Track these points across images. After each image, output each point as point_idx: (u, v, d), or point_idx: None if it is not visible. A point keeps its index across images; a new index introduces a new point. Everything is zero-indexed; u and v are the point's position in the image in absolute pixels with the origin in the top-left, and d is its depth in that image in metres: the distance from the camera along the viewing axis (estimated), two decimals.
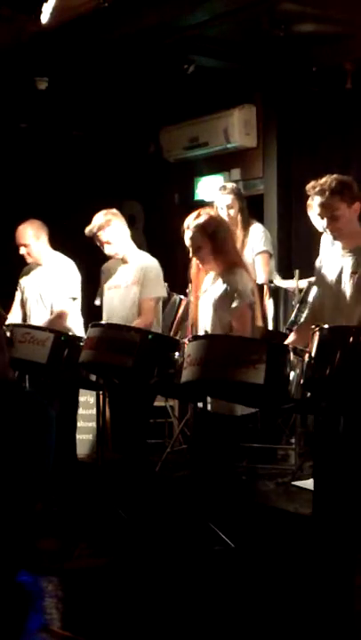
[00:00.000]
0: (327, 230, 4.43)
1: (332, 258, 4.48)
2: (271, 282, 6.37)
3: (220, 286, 4.83)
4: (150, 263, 5.56)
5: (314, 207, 4.46)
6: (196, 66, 7.37)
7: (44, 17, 6.03)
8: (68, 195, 9.03)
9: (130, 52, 7.16)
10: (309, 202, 4.59)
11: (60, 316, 5.83)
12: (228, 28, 6.85)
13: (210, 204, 6.50)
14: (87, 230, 5.60)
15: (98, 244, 5.61)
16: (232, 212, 6.36)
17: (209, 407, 4.77)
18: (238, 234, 6.34)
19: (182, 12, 6.61)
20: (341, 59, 7.20)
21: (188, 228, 4.89)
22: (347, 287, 4.34)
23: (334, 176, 4.41)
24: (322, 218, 4.41)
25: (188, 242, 4.90)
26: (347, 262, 4.38)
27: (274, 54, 7.32)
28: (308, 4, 6.37)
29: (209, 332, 4.79)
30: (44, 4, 5.97)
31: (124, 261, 5.61)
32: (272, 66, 7.65)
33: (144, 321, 5.40)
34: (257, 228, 6.54)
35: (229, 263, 4.88)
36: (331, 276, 4.43)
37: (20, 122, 8.87)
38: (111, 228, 5.56)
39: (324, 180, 4.39)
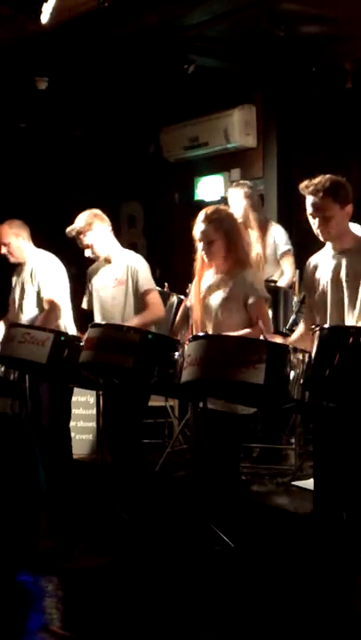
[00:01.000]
0: (318, 231, 4.35)
1: (323, 260, 4.44)
2: (274, 281, 6.38)
3: (229, 285, 4.80)
4: (137, 259, 5.55)
5: (307, 207, 4.38)
6: (196, 66, 7.37)
7: (44, 17, 6.03)
8: (68, 195, 9.04)
9: (130, 52, 7.16)
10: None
11: (50, 313, 5.79)
12: (228, 27, 6.85)
13: (211, 204, 6.50)
14: (67, 231, 5.57)
15: (79, 244, 5.59)
16: (244, 206, 6.37)
17: (215, 406, 4.75)
18: (252, 232, 6.35)
19: (182, 12, 6.61)
20: (341, 59, 7.21)
21: (202, 221, 4.83)
22: (342, 289, 4.31)
23: (328, 176, 4.32)
24: (313, 218, 4.33)
25: (199, 235, 4.84)
26: (339, 264, 4.34)
27: (274, 54, 7.32)
28: (308, 4, 6.37)
29: (214, 331, 4.77)
30: (44, 4, 5.97)
31: (107, 261, 5.60)
32: (272, 66, 7.66)
33: (156, 313, 5.43)
34: (279, 228, 6.61)
35: (241, 262, 4.87)
36: (324, 279, 4.39)
37: (20, 122, 8.88)
38: (92, 233, 5.52)
39: (318, 179, 4.31)
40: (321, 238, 4.38)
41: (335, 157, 7.58)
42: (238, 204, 6.40)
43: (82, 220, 5.56)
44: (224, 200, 7.78)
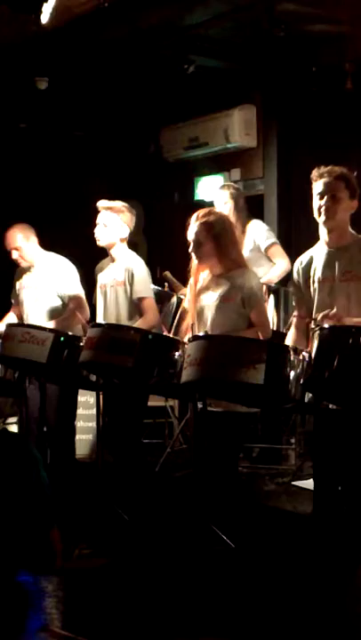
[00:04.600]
0: (322, 211, 4.33)
1: (317, 256, 4.44)
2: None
3: (225, 286, 4.80)
4: (136, 263, 5.55)
5: (315, 191, 4.39)
6: (196, 66, 7.38)
7: (44, 17, 6.04)
8: (68, 195, 9.03)
9: (130, 52, 7.17)
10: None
11: (78, 309, 5.80)
12: (228, 27, 6.85)
13: (211, 204, 6.49)
14: (99, 202, 5.59)
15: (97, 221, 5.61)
16: (230, 208, 6.33)
17: (216, 407, 4.75)
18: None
19: (182, 12, 6.61)
20: (341, 59, 7.21)
21: (194, 222, 4.86)
22: (335, 286, 4.30)
23: (342, 167, 4.42)
24: (321, 198, 4.34)
25: (191, 236, 4.87)
26: (334, 261, 4.33)
27: (274, 54, 7.33)
28: (308, 4, 6.37)
29: (209, 332, 4.78)
30: (44, 4, 5.98)
31: (112, 259, 5.62)
32: (272, 66, 7.66)
33: (149, 320, 5.41)
34: (257, 226, 6.51)
35: (236, 263, 4.87)
36: (317, 276, 4.39)
37: (20, 122, 8.87)
38: (111, 216, 5.53)
39: (331, 167, 4.39)
40: (322, 220, 4.36)
41: (335, 157, 7.54)
42: (223, 205, 6.37)
43: (116, 204, 5.59)
44: None
